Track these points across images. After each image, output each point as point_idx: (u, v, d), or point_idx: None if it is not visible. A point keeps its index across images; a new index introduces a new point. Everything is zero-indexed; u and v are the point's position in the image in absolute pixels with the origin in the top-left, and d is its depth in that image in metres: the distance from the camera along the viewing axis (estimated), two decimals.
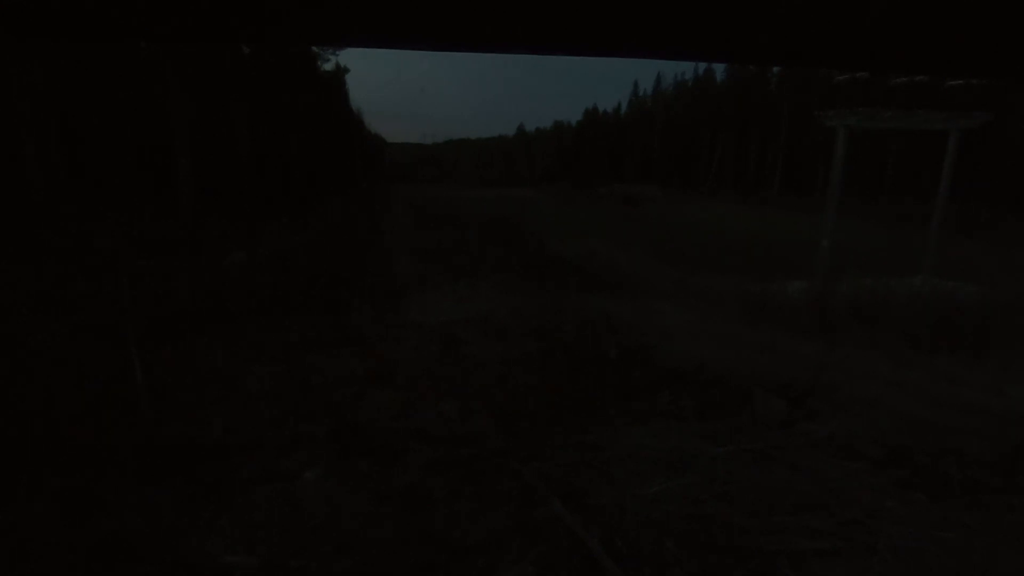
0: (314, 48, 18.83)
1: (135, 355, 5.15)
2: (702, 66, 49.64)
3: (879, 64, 1.10)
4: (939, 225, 11.72)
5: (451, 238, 17.43)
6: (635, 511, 3.95)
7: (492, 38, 0.85)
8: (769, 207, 31.38)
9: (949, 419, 5.69)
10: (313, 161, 23.63)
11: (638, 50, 0.91)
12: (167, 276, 9.24)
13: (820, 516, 3.88)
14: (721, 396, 6.08)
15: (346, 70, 27.55)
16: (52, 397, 5.24)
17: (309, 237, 13.41)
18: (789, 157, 39.80)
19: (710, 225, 23.32)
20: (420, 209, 28.75)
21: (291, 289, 9.55)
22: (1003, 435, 5.24)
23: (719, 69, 48.55)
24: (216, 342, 7.07)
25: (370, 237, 16.92)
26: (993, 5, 0.69)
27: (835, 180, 11.13)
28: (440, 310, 9.86)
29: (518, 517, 3.87)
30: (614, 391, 5.97)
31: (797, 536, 3.67)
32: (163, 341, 6.71)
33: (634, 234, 20.22)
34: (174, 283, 9.07)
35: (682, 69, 60.36)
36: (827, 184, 11.54)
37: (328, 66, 23.01)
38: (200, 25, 0.81)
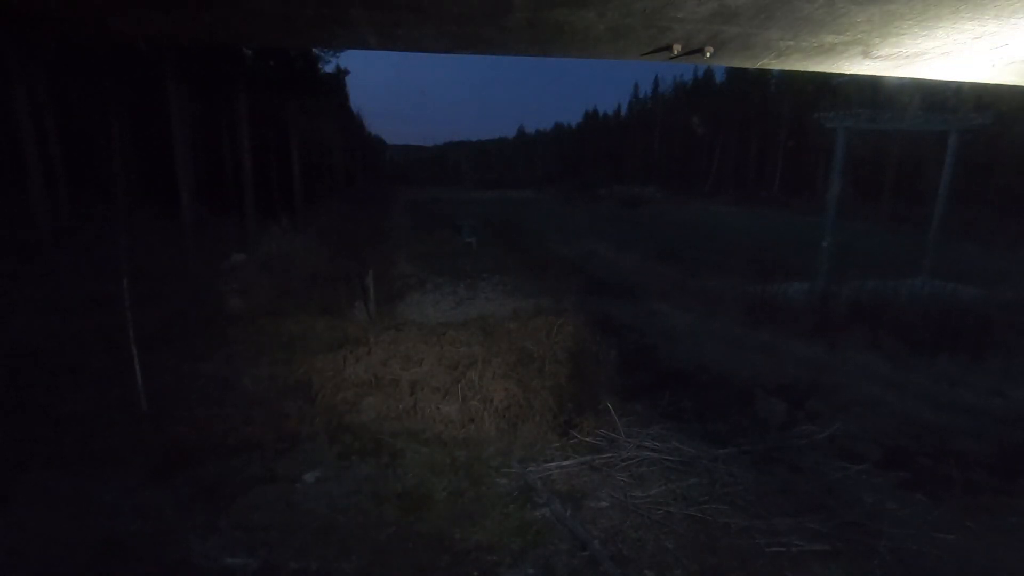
0: (315, 50, 18.82)
1: (136, 357, 5.15)
2: (702, 68, 49.63)
3: (878, 64, 1.11)
4: (939, 227, 11.71)
5: (451, 239, 17.47)
6: (636, 512, 3.95)
7: (492, 39, 0.85)
8: (769, 208, 31.41)
9: (950, 421, 5.69)
10: (313, 162, 23.69)
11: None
12: (167, 278, 9.24)
13: (821, 518, 3.89)
14: (722, 397, 6.08)
15: (346, 72, 27.45)
16: (54, 399, 5.24)
17: (308, 238, 13.42)
18: (789, 159, 39.81)
19: (710, 226, 23.34)
20: (420, 210, 28.81)
21: (291, 290, 9.55)
22: (1004, 437, 5.23)
23: (719, 70, 48.55)
24: (216, 343, 7.07)
25: (370, 238, 16.93)
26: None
27: (835, 181, 11.14)
28: (440, 311, 9.86)
29: (518, 518, 3.87)
30: (615, 392, 5.97)
31: (798, 538, 3.67)
32: (163, 343, 6.71)
33: (634, 235, 20.23)
34: (174, 285, 9.07)
35: (681, 71, 60.15)
36: (827, 186, 11.53)
37: (329, 68, 23.00)
38: (201, 25, 0.81)
